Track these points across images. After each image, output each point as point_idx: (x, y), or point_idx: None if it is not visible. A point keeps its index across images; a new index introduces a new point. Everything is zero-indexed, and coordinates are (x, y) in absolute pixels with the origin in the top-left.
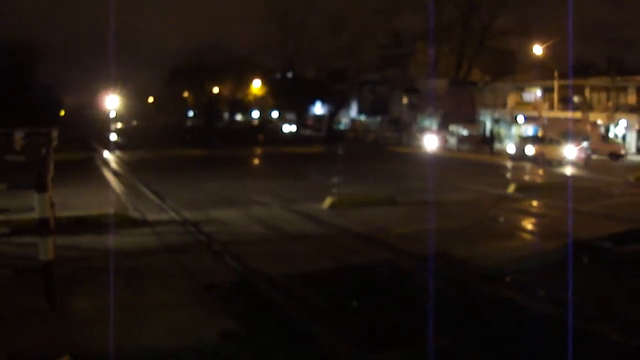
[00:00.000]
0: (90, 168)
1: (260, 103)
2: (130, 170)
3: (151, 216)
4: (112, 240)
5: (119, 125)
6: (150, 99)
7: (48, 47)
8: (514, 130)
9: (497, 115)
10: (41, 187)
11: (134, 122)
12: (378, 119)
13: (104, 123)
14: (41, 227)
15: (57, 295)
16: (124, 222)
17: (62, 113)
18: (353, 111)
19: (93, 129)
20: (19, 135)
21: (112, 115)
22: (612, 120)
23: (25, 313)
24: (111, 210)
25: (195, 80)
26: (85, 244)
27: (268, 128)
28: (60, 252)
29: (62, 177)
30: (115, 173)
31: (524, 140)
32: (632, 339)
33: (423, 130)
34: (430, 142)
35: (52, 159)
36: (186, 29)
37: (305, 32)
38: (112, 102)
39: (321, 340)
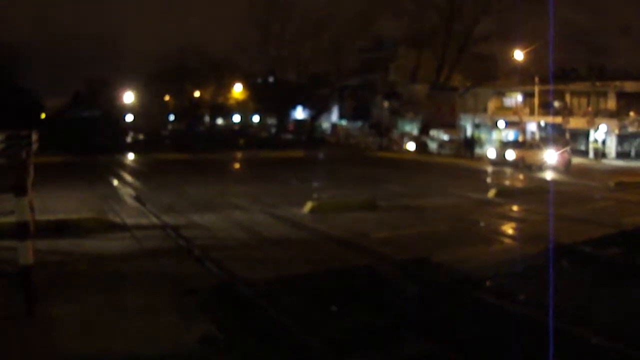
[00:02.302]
0: (70, 171)
1: (241, 107)
2: (110, 174)
3: (131, 220)
4: (91, 245)
5: (140, 136)
6: None
7: (29, 48)
8: (495, 135)
9: (477, 120)
10: (20, 191)
11: (169, 128)
12: (359, 123)
13: (116, 131)
14: (20, 231)
15: (35, 300)
16: (103, 226)
17: (43, 116)
18: (334, 116)
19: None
20: None
21: (129, 119)
22: (592, 125)
23: (3, 319)
24: (91, 215)
25: (176, 84)
26: (64, 249)
27: (249, 133)
28: (40, 257)
29: (42, 181)
30: (95, 177)
31: (504, 145)
32: (612, 342)
33: (404, 135)
34: (412, 147)
35: (32, 162)
36: (167, 34)
37: (286, 36)
38: (128, 100)
39: (301, 344)
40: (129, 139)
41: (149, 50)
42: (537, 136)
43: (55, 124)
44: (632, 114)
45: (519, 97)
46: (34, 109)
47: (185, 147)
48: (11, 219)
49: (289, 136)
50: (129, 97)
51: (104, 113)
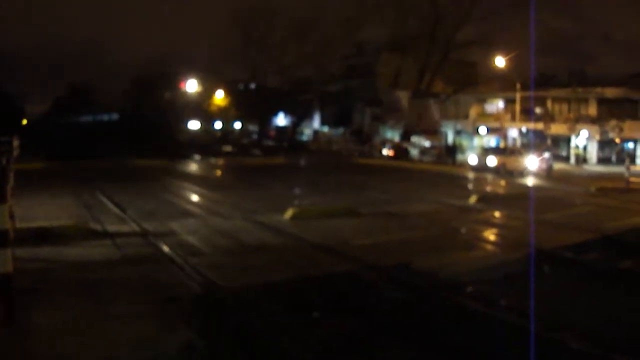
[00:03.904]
0: (51, 178)
1: (222, 114)
2: (90, 180)
3: (112, 227)
4: (72, 252)
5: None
6: None
7: (9, 53)
8: (476, 141)
9: (459, 126)
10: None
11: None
12: (341, 130)
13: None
14: None
15: (15, 309)
16: (84, 233)
17: (25, 122)
18: (316, 122)
19: None
20: None
21: (194, 126)
22: (573, 131)
23: None
24: (72, 222)
25: (157, 91)
26: (45, 256)
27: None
28: (20, 264)
29: (22, 188)
30: (75, 183)
31: (485, 151)
32: (593, 347)
33: (385, 141)
34: (393, 153)
35: (12, 169)
36: (148, 40)
37: (268, 42)
38: (191, 89)
39: (283, 351)
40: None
41: (132, 57)
42: (518, 142)
43: (40, 130)
44: (612, 120)
45: (500, 104)
46: (16, 115)
47: (165, 153)
48: None
49: (270, 142)
50: (191, 85)
51: (123, 116)
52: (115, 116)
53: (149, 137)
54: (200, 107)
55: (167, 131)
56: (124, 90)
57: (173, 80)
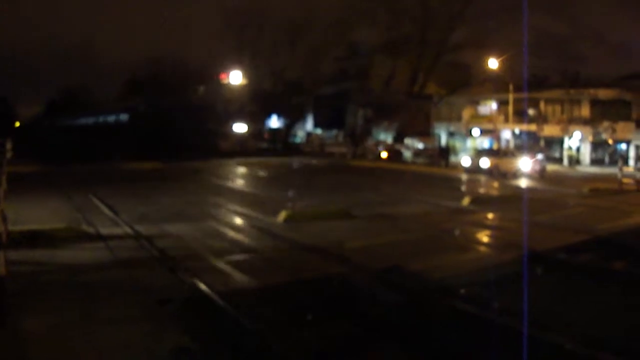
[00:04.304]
0: (46, 181)
1: None
2: (83, 183)
3: (105, 230)
4: (65, 255)
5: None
6: None
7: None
8: (469, 143)
9: (452, 128)
10: None
11: None
12: (334, 132)
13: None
14: None
15: (7, 311)
16: (77, 236)
17: (17, 124)
18: (309, 124)
19: None
20: None
21: (240, 129)
22: (566, 132)
23: None
24: (64, 225)
25: (150, 93)
26: (37, 259)
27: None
28: (12, 267)
29: (15, 190)
30: (67, 186)
31: (479, 153)
32: (586, 348)
33: (379, 143)
34: (386, 155)
35: (4, 172)
36: (142, 42)
37: (261, 44)
38: (235, 81)
39: (276, 354)
40: None
41: (125, 60)
42: (511, 144)
43: (35, 133)
44: (605, 121)
45: (493, 105)
46: (8, 117)
47: (158, 156)
48: None
49: (264, 145)
50: (236, 77)
51: (135, 117)
52: (124, 117)
53: (177, 140)
54: (247, 106)
55: (201, 134)
56: (125, 90)
57: (209, 73)
